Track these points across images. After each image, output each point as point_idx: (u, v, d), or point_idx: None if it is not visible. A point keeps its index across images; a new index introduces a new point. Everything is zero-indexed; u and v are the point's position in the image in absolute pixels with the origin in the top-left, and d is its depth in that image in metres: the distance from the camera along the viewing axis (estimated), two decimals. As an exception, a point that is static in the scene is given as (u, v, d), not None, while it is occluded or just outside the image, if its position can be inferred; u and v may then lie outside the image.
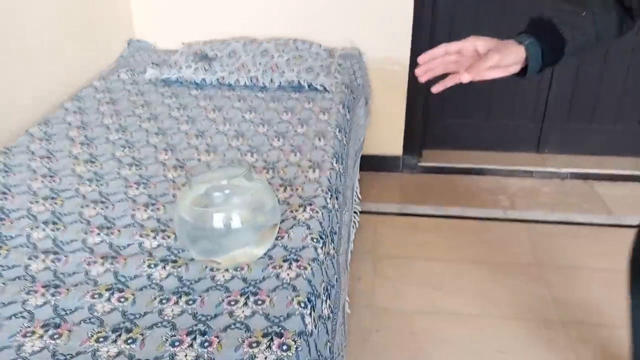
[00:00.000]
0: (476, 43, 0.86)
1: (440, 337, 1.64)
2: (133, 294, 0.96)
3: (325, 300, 1.03)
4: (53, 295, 0.95)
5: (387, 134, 2.48)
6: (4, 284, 0.98)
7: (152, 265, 1.03)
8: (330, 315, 1.04)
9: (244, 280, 0.99)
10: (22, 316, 0.90)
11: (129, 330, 0.87)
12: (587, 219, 2.21)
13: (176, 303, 0.93)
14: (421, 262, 1.96)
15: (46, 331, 0.87)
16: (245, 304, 0.92)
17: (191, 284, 0.99)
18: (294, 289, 0.95)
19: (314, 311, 0.94)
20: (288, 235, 1.10)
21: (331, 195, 1.29)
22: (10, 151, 1.48)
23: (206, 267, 1.02)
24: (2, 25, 1.59)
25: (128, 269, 1.02)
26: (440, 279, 1.87)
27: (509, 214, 2.25)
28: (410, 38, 2.27)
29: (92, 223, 1.17)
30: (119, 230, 1.14)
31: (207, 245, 1.00)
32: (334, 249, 1.21)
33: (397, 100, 2.41)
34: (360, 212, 1.92)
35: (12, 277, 1.00)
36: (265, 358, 0.80)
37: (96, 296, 0.95)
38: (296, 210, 1.19)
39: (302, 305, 0.92)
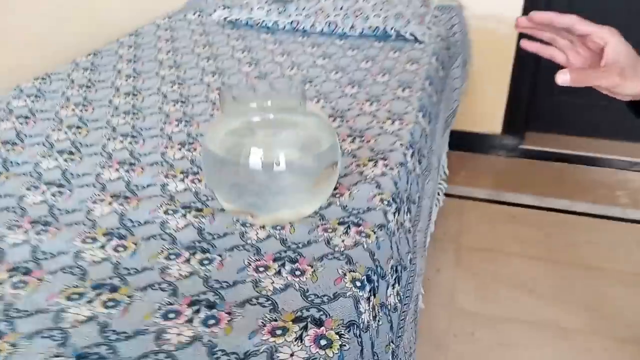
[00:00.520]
0: (609, 40, 0.61)
1: (534, 353, 1.29)
2: (135, 244, 0.72)
3: (393, 285, 0.74)
4: (38, 234, 0.74)
5: (484, 108, 2.12)
6: (-14, 213, 0.78)
7: (170, 212, 0.79)
8: (398, 306, 0.75)
9: (283, 242, 0.72)
10: (-9, 254, 0.69)
11: (114, 289, 0.63)
12: None
13: (187, 261, 0.68)
14: (516, 259, 1.60)
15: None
16: (279, 272, 0.65)
17: (213, 238, 0.73)
18: (349, 261, 0.67)
19: (374, 296, 0.66)
20: (350, 193, 0.82)
21: (413, 153, 0.99)
22: (49, 78, 1.30)
23: (237, 221, 0.77)
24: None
25: (139, 213, 0.79)
26: (539, 282, 1.51)
27: (629, 214, 1.83)
28: (524, -7, 1.89)
29: (114, 157, 0.95)
30: (142, 168, 0.91)
31: (240, 191, 0.74)
32: (410, 221, 0.91)
33: (500, 68, 2.04)
34: (445, 195, 1.60)
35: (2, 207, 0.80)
36: (292, 355, 0.53)
37: (89, 241, 0.72)
38: (364, 165, 0.91)
39: (358, 284, 0.64)
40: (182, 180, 0.88)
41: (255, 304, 0.60)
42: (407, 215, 0.90)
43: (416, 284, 0.91)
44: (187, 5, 1.99)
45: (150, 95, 1.23)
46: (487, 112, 2.13)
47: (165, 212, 0.79)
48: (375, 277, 0.67)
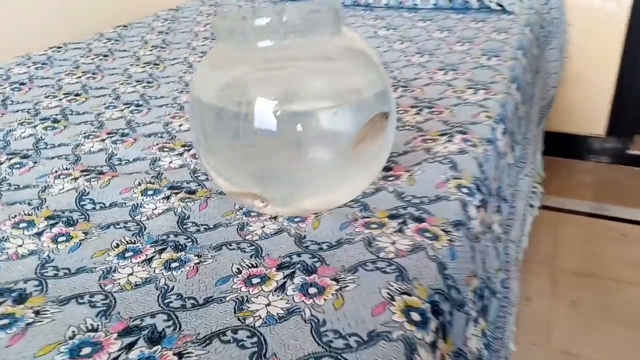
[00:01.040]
0: None
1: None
2: (86, 233, 0.49)
3: (476, 320, 0.46)
4: None
5: (584, 104, 1.76)
6: None
7: (150, 192, 0.55)
8: (484, 354, 0.47)
9: (299, 240, 0.46)
10: None
11: (22, 300, 0.40)
12: None
13: (147, 262, 0.44)
14: (629, 289, 1.24)
15: None
16: (282, 289, 0.39)
17: (197, 231, 0.49)
18: (402, 276, 0.40)
19: (443, 339, 0.38)
20: (410, 175, 0.55)
21: (505, 131, 0.70)
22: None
23: (240, 209, 0.52)
24: None
25: (105, 193, 0.56)
26: (663, 321, 1.15)
27: None
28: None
29: (105, 127, 0.74)
30: (134, 139, 0.69)
31: (244, 163, 0.49)
32: (500, 225, 0.62)
33: (605, 57, 1.68)
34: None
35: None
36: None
37: (18, 225, 0.50)
38: (433, 139, 0.63)
39: (416, 317, 0.36)
40: (180, 155, 0.64)
41: (226, 343, 0.34)
42: (496, 213, 0.61)
43: (507, 316, 0.62)
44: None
45: (174, 64, 1.02)
46: (587, 110, 1.77)
47: (142, 193, 0.55)
48: (446, 306, 0.40)
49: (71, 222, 0.51)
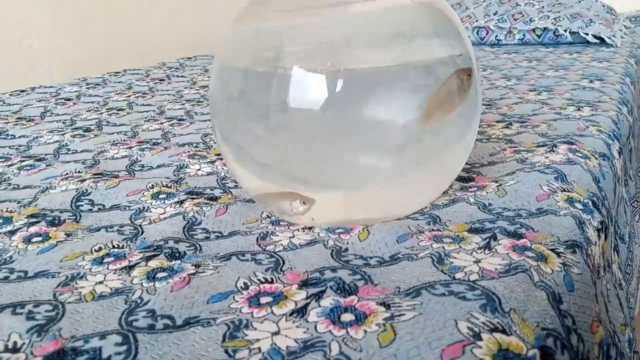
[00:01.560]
0: None
1: None
2: (68, 235, 0.38)
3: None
4: None
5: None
6: None
7: (162, 197, 0.44)
8: None
9: (337, 253, 0.32)
10: None
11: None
12: None
13: (126, 269, 0.32)
14: None
15: None
16: (301, 312, 0.26)
17: (206, 238, 0.36)
18: (492, 305, 0.25)
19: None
20: (499, 185, 0.41)
21: (620, 150, 0.54)
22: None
23: (268, 216, 0.39)
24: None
25: (110, 195, 0.45)
26: None
27: None
28: None
29: (138, 136, 0.65)
30: (165, 148, 0.59)
31: (277, 150, 0.37)
32: (620, 268, 0.45)
33: None
34: None
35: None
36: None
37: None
38: (529, 150, 0.49)
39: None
40: (212, 162, 0.54)
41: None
42: (615, 254, 0.44)
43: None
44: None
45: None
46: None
47: (153, 196, 0.44)
48: (564, 358, 0.24)
49: (56, 222, 0.40)
